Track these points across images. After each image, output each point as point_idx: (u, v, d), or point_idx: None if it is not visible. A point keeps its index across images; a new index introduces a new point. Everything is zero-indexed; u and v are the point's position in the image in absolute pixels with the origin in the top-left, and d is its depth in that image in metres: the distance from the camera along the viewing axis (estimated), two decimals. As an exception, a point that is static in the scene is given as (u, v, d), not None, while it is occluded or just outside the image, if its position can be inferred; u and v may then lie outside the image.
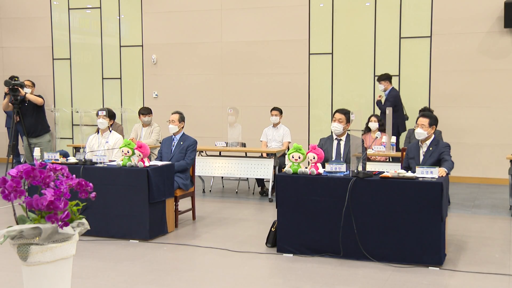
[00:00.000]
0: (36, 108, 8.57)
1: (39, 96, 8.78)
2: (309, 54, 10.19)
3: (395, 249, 4.78)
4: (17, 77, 8.51)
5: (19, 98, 8.33)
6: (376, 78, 9.48)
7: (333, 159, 5.91)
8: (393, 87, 9.14)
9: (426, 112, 6.03)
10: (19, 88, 8.30)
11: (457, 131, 9.33)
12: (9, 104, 8.45)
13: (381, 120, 8.20)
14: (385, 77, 9.13)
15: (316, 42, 10.15)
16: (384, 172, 5.10)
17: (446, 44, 9.45)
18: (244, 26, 10.56)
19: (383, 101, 9.10)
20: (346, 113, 5.94)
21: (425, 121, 5.67)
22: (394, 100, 8.93)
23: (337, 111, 6.00)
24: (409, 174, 4.85)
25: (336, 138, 5.97)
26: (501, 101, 9.25)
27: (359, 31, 9.90)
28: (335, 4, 9.99)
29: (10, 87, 8.27)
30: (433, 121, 5.70)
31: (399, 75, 9.70)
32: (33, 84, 9.11)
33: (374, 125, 8.16)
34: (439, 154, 5.57)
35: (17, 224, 2.93)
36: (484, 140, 9.36)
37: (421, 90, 9.63)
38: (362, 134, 8.20)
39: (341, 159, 5.86)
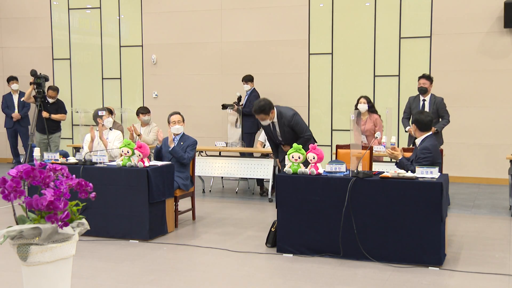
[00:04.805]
0: (58, 109, 9.82)
1: (61, 103, 9.83)
2: (309, 54, 10.19)
3: (395, 249, 4.78)
4: (16, 77, 8.68)
5: (42, 92, 9.10)
6: (242, 78, 9.61)
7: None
8: (254, 88, 9.50)
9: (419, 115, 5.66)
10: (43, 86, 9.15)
11: (457, 131, 9.32)
12: (31, 96, 8.97)
13: (370, 101, 7.86)
14: (251, 78, 9.45)
15: (316, 42, 10.15)
16: (384, 172, 5.10)
17: (446, 44, 9.44)
18: (244, 26, 10.55)
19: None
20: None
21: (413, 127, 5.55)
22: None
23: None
24: (409, 174, 4.85)
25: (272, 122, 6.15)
26: (501, 101, 9.24)
27: (359, 31, 9.90)
28: (335, 4, 9.98)
29: (35, 81, 8.98)
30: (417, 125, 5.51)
31: (399, 75, 9.70)
32: (57, 91, 9.89)
33: (363, 106, 7.74)
34: (416, 157, 5.40)
35: (17, 224, 2.93)
36: (484, 140, 9.35)
37: (421, 90, 9.62)
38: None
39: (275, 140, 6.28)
